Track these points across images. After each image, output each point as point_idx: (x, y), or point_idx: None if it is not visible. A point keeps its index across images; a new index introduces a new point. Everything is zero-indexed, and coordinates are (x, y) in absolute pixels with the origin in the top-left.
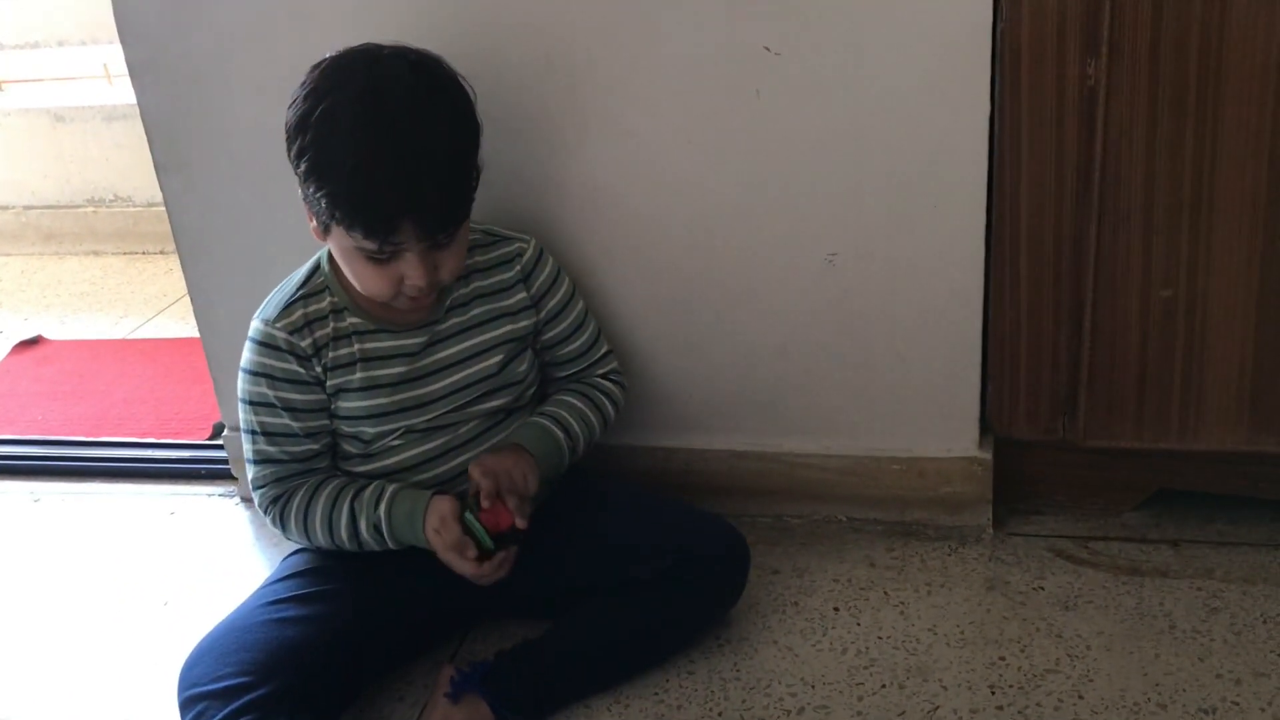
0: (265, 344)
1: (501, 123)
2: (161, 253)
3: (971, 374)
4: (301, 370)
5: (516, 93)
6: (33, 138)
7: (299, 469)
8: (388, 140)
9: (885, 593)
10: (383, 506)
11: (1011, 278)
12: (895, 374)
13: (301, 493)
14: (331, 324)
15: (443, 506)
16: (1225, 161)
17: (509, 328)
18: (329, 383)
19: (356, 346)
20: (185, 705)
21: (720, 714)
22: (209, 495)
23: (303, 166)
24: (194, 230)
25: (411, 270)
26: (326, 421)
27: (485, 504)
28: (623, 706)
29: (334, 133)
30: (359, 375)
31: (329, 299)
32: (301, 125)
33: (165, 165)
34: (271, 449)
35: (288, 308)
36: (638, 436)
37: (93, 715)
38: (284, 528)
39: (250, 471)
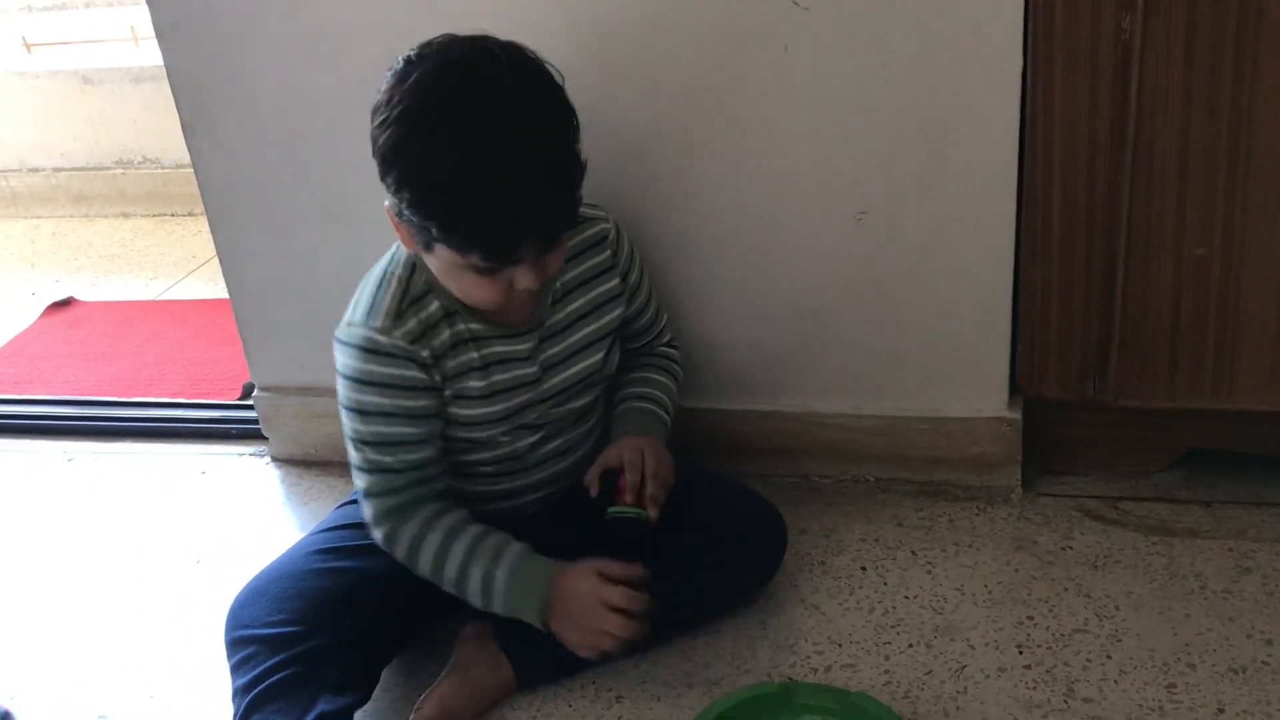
0: (376, 351)
1: None
2: (190, 214)
3: (1001, 333)
4: (423, 376)
5: (539, 51)
6: (62, 100)
7: (415, 478)
8: (501, 161)
9: (913, 552)
10: (504, 566)
11: (1043, 236)
12: (924, 333)
13: (417, 519)
14: (447, 330)
15: (593, 591)
16: (1262, 117)
17: (608, 318)
18: (448, 390)
19: (476, 354)
20: (234, 645)
21: (748, 672)
22: (239, 455)
23: (406, 195)
24: (222, 191)
25: (523, 276)
26: (442, 425)
27: (629, 499)
28: (649, 664)
29: (440, 161)
30: (480, 383)
31: (437, 302)
32: (399, 152)
33: (193, 127)
34: (387, 459)
35: (400, 315)
36: None
37: (129, 670)
38: (391, 548)
39: (362, 482)
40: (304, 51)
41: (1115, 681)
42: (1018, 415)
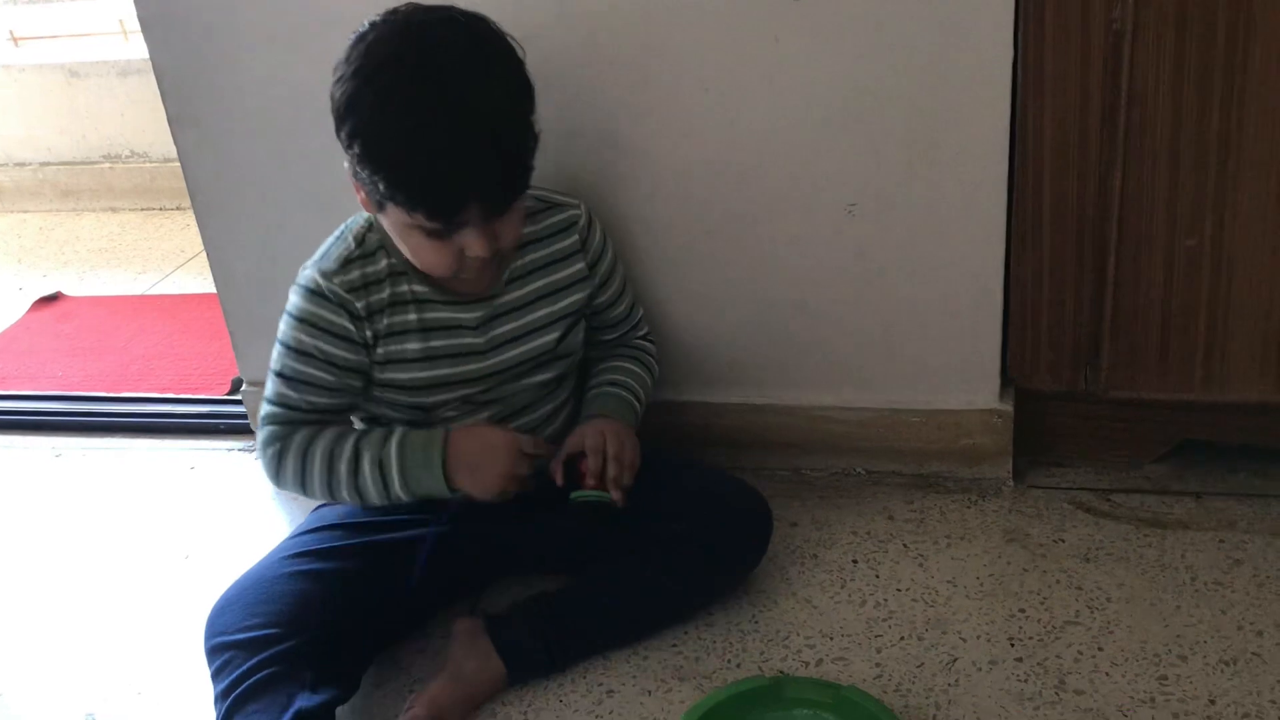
0: (317, 294)
1: None
2: (179, 208)
3: (992, 325)
4: (352, 328)
5: (531, 43)
6: (48, 94)
7: (314, 420)
8: (446, 120)
9: (904, 545)
10: (394, 439)
11: (1034, 227)
12: (915, 325)
13: (306, 430)
14: (389, 288)
15: (502, 439)
16: (1254, 106)
17: (568, 301)
18: (379, 349)
19: (415, 315)
20: (212, 652)
21: (739, 666)
22: (228, 450)
23: (356, 150)
24: (209, 185)
25: (473, 242)
26: (359, 384)
27: (591, 483)
28: (641, 658)
29: (388, 116)
30: (416, 345)
31: (386, 261)
32: (352, 107)
33: (179, 120)
34: (293, 394)
35: (346, 264)
36: (657, 392)
37: (117, 667)
38: (279, 466)
39: (263, 409)
40: (291, 43)
41: (1107, 673)
42: (1009, 407)
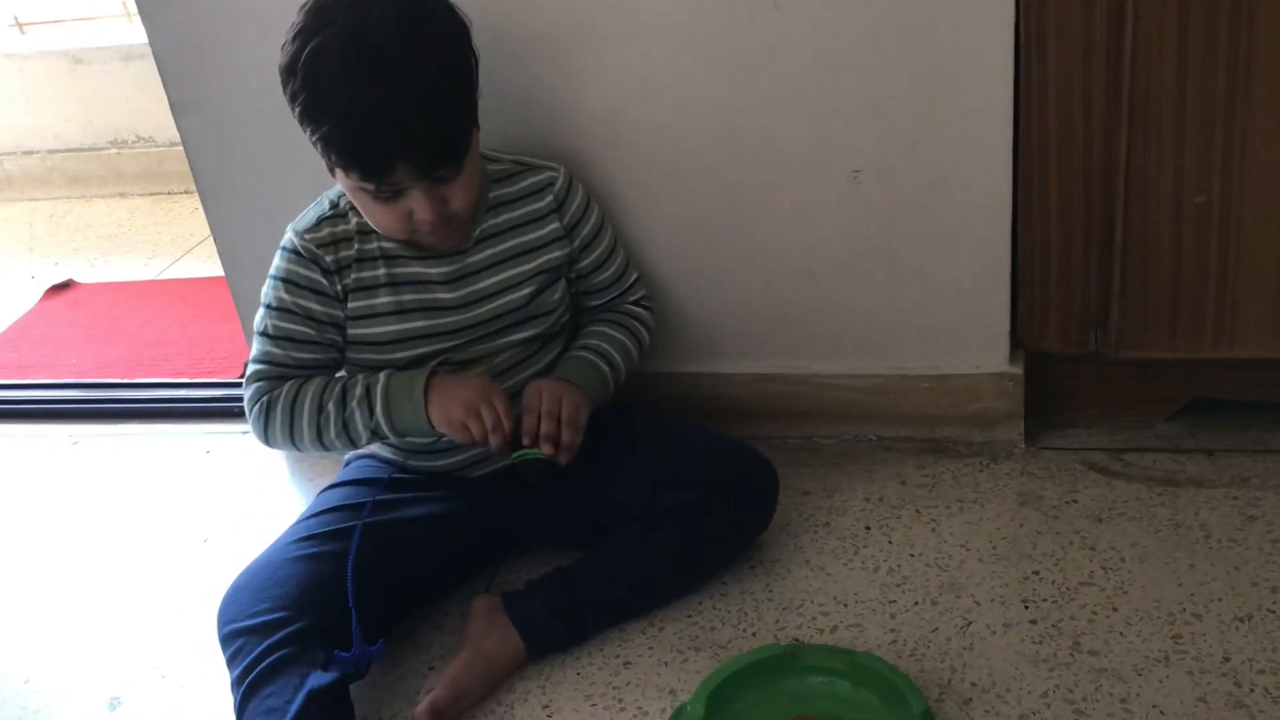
0: (293, 252)
1: (512, 47)
2: (186, 192)
3: (1001, 288)
4: (324, 281)
5: (527, 14)
6: (52, 81)
7: (299, 374)
8: (374, 80)
9: (917, 511)
10: (383, 374)
11: (1040, 189)
12: (923, 290)
13: (293, 382)
14: (357, 245)
15: (483, 380)
16: (1260, 62)
17: (542, 259)
18: (351, 304)
19: (384, 270)
20: (225, 640)
21: (754, 635)
22: (244, 433)
23: (297, 110)
24: (213, 169)
25: (418, 205)
26: (339, 339)
27: (526, 441)
28: (656, 629)
29: (322, 74)
30: (387, 299)
31: (355, 219)
32: (291, 67)
33: (181, 105)
34: (278, 351)
35: (318, 223)
36: (664, 362)
37: (140, 651)
38: (268, 418)
39: (248, 370)
40: (288, 25)
41: (1121, 634)
42: (1019, 370)
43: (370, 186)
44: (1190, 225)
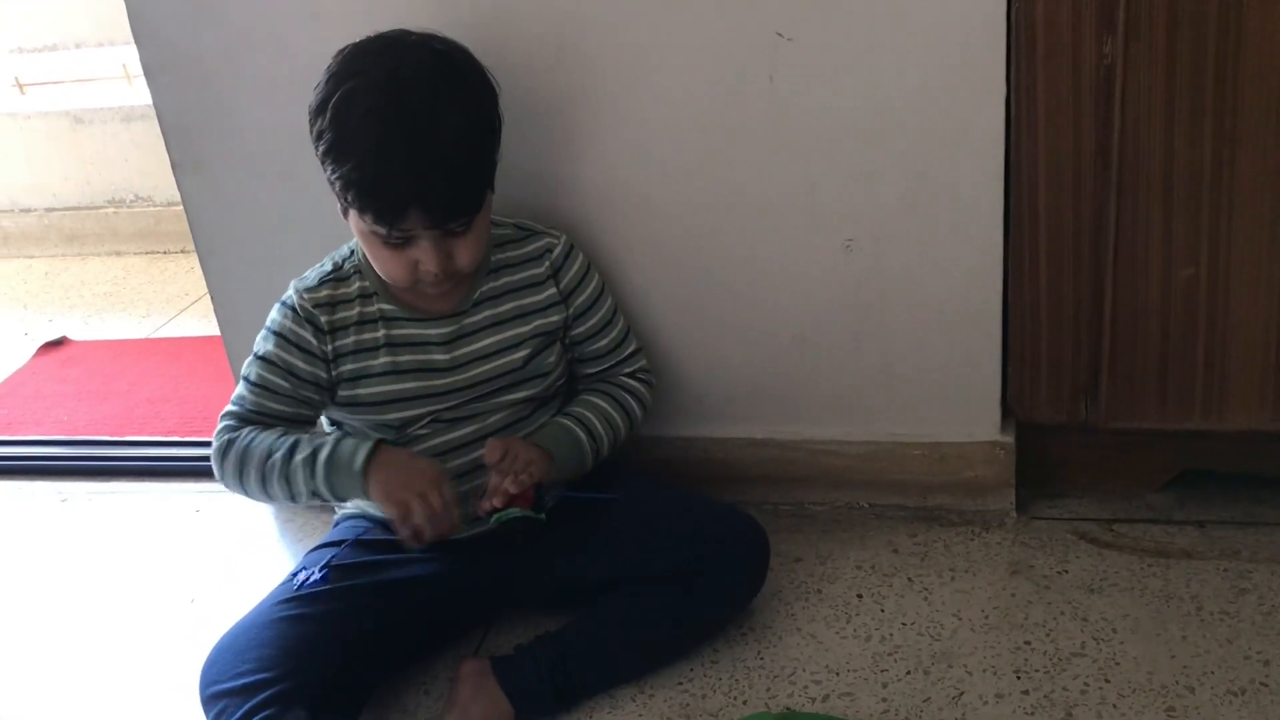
0: (288, 307)
1: (513, 116)
2: (183, 251)
3: (992, 357)
4: (313, 341)
5: (527, 84)
6: (53, 140)
7: (266, 423)
8: (401, 127)
9: (909, 579)
10: (335, 435)
11: (1031, 260)
12: (915, 359)
13: (255, 427)
14: (358, 308)
15: (435, 467)
16: (1245, 138)
17: (538, 322)
18: (345, 365)
19: (383, 332)
20: (207, 703)
21: (745, 702)
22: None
23: (321, 148)
24: (212, 229)
25: (425, 256)
26: (316, 397)
27: (496, 503)
28: (647, 696)
29: (350, 117)
30: (384, 360)
31: (359, 283)
32: (321, 108)
33: (182, 165)
34: (251, 398)
35: (319, 284)
36: (657, 426)
37: (123, 713)
38: (224, 457)
39: (227, 408)
40: (292, 88)
41: (1114, 705)
42: (1010, 439)
43: (382, 230)
44: (1179, 297)
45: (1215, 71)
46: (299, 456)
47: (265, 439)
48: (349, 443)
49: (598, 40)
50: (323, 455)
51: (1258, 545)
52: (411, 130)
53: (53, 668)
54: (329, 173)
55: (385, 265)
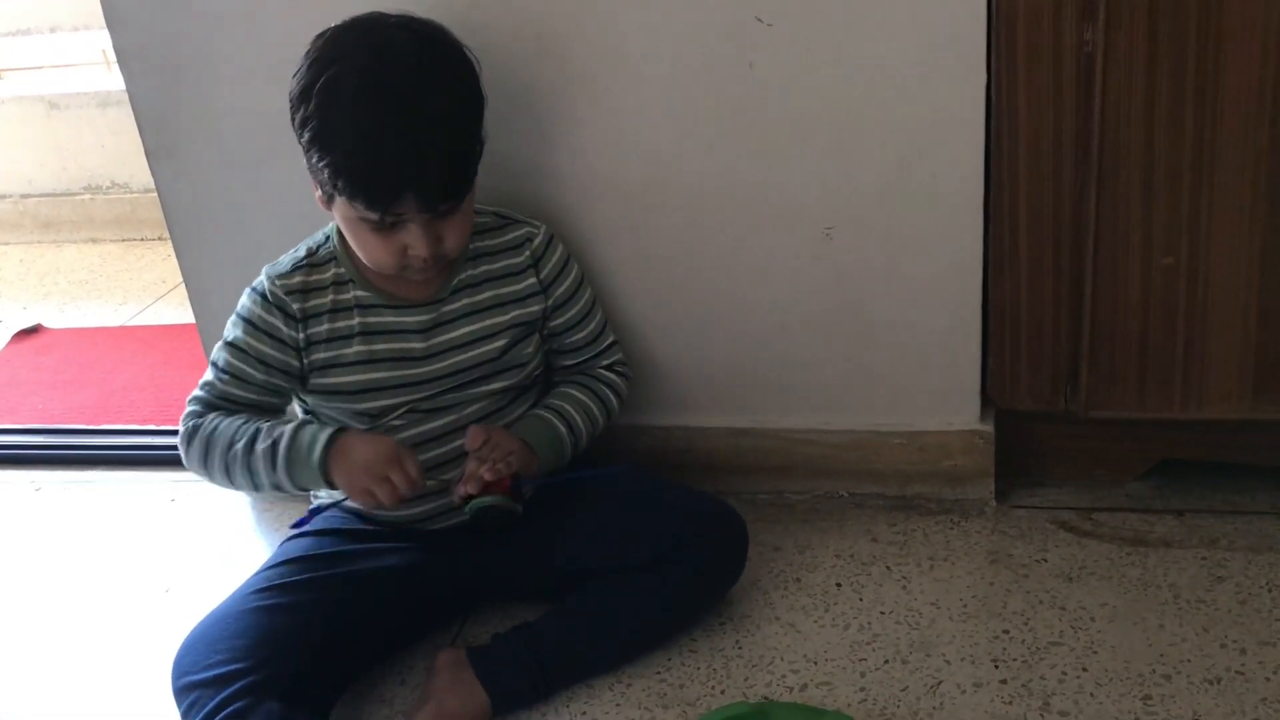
0: (259, 293)
1: (493, 104)
2: (159, 239)
3: (972, 346)
4: (283, 328)
5: (505, 72)
6: (28, 125)
7: (232, 410)
8: (389, 111)
9: (887, 567)
10: (297, 422)
11: (1010, 249)
12: (895, 348)
13: (221, 413)
14: (332, 295)
15: (392, 444)
16: (1225, 126)
17: (516, 312)
18: (318, 354)
19: (358, 320)
20: (179, 694)
21: (723, 692)
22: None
23: (305, 136)
24: (187, 216)
25: (414, 240)
26: (286, 385)
27: (471, 488)
28: (625, 685)
29: (336, 103)
30: (358, 349)
31: (333, 270)
32: (304, 95)
33: (156, 152)
34: (219, 384)
35: (291, 270)
36: (637, 416)
37: (96, 703)
38: (190, 442)
39: (195, 393)
40: (266, 75)
41: (1091, 694)
42: (990, 428)
43: (373, 217)
44: (1158, 287)
45: (1196, 62)
46: (260, 446)
47: (229, 426)
48: (307, 432)
49: (576, 28)
50: (281, 446)
51: (1235, 534)
52: (401, 112)
53: (27, 658)
54: (315, 160)
55: (372, 252)
